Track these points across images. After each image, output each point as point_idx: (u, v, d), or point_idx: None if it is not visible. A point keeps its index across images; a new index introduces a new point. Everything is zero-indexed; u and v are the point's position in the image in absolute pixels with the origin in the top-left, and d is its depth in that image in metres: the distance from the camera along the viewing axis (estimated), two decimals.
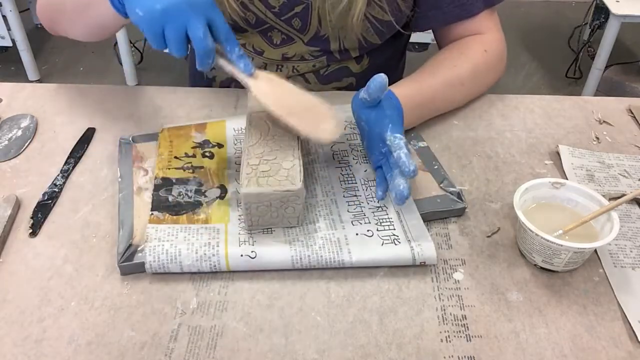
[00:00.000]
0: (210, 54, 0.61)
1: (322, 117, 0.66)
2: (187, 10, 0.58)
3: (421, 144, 0.77)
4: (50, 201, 0.69)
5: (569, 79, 2.47)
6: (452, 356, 0.55)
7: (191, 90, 0.90)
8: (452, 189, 0.69)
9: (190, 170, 0.71)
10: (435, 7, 0.84)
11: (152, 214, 0.65)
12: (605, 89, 2.12)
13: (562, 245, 0.58)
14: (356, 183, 0.70)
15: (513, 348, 0.56)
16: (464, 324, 0.58)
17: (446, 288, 0.61)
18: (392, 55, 0.97)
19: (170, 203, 0.66)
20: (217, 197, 0.68)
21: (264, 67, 0.90)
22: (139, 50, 2.49)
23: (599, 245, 0.58)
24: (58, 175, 0.73)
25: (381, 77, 0.64)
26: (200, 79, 0.99)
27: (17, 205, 0.69)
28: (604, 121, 0.85)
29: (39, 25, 2.72)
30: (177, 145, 0.74)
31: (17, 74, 2.43)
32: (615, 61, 2.19)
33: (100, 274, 0.61)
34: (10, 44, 2.29)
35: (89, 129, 0.81)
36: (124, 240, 0.62)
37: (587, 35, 2.56)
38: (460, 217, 0.69)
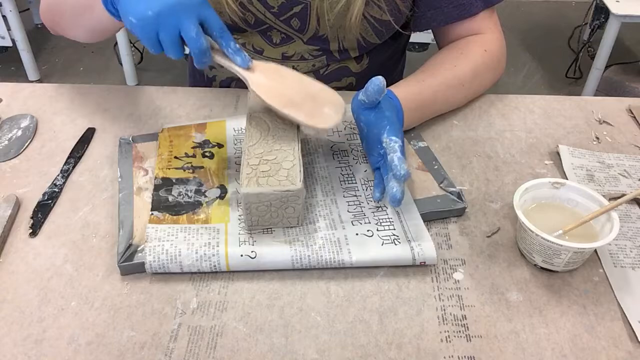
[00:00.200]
0: (206, 52, 0.62)
1: (324, 102, 0.67)
2: (178, 13, 0.59)
3: (421, 144, 0.77)
4: (50, 201, 0.69)
5: (569, 79, 2.47)
6: (452, 356, 0.55)
7: (191, 90, 0.90)
8: (452, 189, 0.69)
9: (190, 170, 0.71)
10: (434, 7, 0.84)
11: (152, 214, 0.65)
12: (605, 89, 2.12)
13: (562, 245, 0.58)
14: (356, 183, 0.70)
15: (513, 348, 0.56)
16: (464, 324, 0.58)
17: (446, 288, 0.61)
18: (392, 55, 0.97)
19: (170, 203, 0.66)
20: (217, 197, 0.68)
21: None
22: (139, 50, 2.49)
23: (599, 245, 0.58)
24: (58, 175, 0.73)
25: (379, 80, 0.64)
26: (200, 79, 0.99)
27: (17, 205, 0.69)
28: (604, 121, 0.85)
29: (39, 25, 2.72)
30: (177, 145, 0.74)
31: (17, 74, 2.43)
32: (615, 61, 2.18)
33: (100, 274, 0.61)
34: (10, 44, 2.29)
35: (89, 129, 0.81)
36: (124, 240, 0.62)
37: (587, 35, 2.56)
38: (460, 217, 0.69)
